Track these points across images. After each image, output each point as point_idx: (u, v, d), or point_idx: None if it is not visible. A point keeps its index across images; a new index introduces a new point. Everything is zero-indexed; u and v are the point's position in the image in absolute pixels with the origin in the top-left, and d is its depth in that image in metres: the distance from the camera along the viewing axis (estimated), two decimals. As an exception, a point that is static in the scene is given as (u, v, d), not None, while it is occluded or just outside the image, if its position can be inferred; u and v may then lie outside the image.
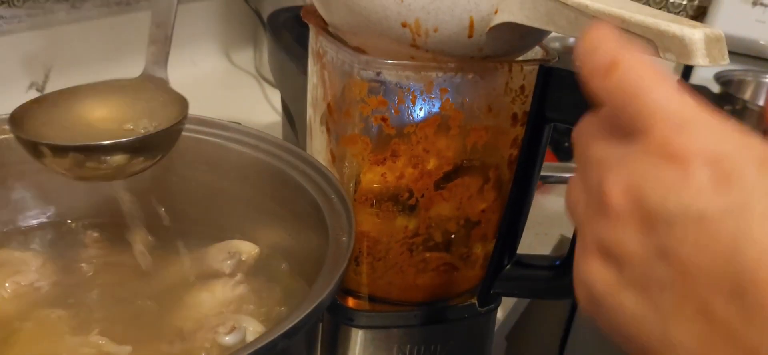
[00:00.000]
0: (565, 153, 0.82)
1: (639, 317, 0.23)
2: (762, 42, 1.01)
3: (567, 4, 0.30)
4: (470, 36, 0.36)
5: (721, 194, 0.21)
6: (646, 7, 0.29)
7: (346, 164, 0.41)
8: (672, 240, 0.22)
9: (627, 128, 0.24)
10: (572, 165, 0.40)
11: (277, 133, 0.80)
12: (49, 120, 0.39)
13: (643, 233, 0.22)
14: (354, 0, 0.36)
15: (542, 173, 0.43)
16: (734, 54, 1.04)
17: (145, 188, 0.47)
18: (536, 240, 0.70)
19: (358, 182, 0.40)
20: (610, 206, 0.23)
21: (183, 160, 0.46)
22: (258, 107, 0.93)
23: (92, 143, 0.36)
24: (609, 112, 0.25)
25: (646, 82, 0.23)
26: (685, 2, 1.09)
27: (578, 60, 0.25)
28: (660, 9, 1.12)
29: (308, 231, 0.41)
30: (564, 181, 0.73)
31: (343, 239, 0.36)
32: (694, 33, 0.26)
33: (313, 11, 0.43)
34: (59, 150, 0.36)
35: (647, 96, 0.23)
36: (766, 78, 1.00)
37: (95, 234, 0.47)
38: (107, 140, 0.36)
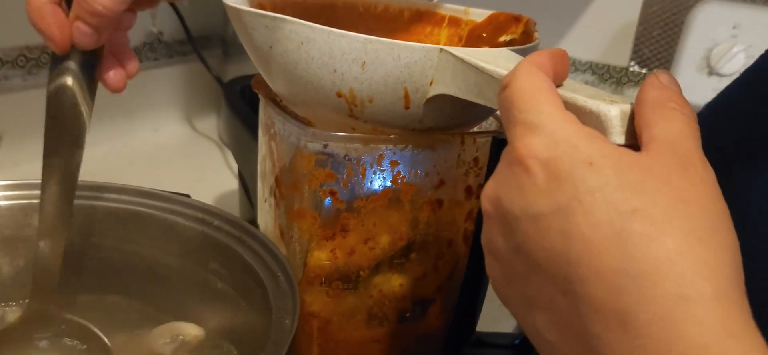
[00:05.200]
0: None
1: (516, 307, 0.25)
2: (720, 110, 1.03)
3: (493, 78, 0.30)
4: (407, 107, 0.35)
5: (553, 194, 0.23)
6: (574, 83, 0.28)
7: (295, 240, 0.39)
8: (520, 238, 0.24)
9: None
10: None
11: (236, 200, 0.77)
12: None
13: (503, 233, 0.25)
14: (290, 70, 0.35)
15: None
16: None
17: (83, 264, 0.45)
18: (500, 313, 0.68)
19: (306, 260, 0.39)
20: (483, 209, 0.26)
21: (124, 235, 0.44)
22: (219, 174, 0.91)
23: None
24: None
25: (519, 97, 0.25)
26: (644, 71, 1.12)
27: None
28: (619, 78, 1.14)
29: (253, 311, 0.39)
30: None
31: (287, 321, 0.33)
32: (610, 109, 0.25)
33: (263, 81, 0.42)
34: None
35: (515, 108, 0.25)
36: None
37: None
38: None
